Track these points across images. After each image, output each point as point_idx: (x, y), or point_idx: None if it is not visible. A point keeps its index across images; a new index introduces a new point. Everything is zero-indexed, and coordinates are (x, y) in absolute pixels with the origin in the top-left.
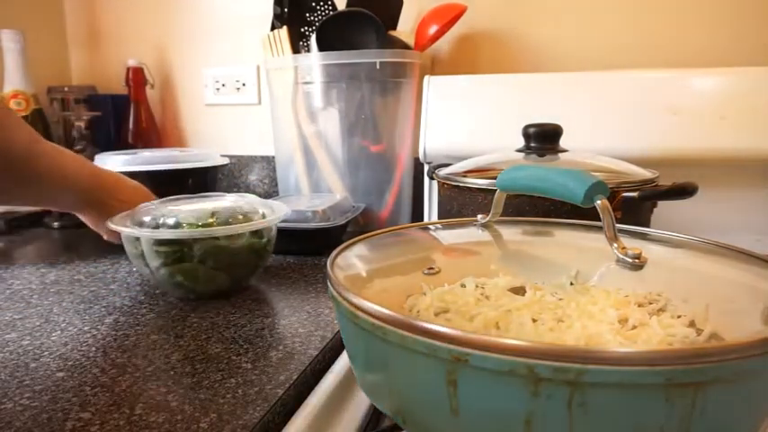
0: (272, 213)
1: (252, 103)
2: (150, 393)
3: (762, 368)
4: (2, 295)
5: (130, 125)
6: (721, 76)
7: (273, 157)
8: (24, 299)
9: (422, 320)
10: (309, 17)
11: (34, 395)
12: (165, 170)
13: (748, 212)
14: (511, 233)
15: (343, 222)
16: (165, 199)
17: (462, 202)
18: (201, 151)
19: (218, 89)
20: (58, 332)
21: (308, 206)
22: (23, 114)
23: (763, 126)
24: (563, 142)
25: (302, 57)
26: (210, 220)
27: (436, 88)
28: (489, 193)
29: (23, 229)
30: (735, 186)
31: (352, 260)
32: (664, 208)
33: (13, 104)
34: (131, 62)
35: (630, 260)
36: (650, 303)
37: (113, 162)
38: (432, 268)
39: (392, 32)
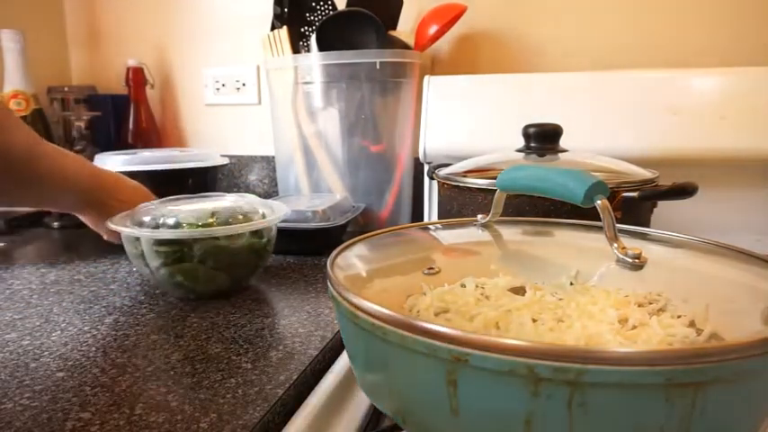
0: (272, 213)
1: (252, 103)
2: (150, 393)
3: (762, 368)
4: (2, 295)
5: (130, 125)
6: (721, 76)
7: (273, 157)
8: (24, 299)
9: (422, 320)
10: (309, 17)
11: (34, 395)
12: (164, 170)
13: (748, 212)
14: (511, 233)
15: (343, 222)
16: (165, 199)
17: (462, 202)
18: (201, 151)
19: (218, 89)
20: (58, 332)
21: (308, 206)
22: (23, 114)
23: (763, 126)
24: (563, 142)
25: (302, 57)
26: (210, 220)
27: (436, 88)
28: (489, 193)
29: (23, 229)
30: (735, 186)
31: (352, 260)
32: (664, 208)
33: (13, 104)
34: (131, 62)
35: (630, 260)
36: (650, 303)
37: (113, 162)
38: (432, 268)
39: (392, 32)
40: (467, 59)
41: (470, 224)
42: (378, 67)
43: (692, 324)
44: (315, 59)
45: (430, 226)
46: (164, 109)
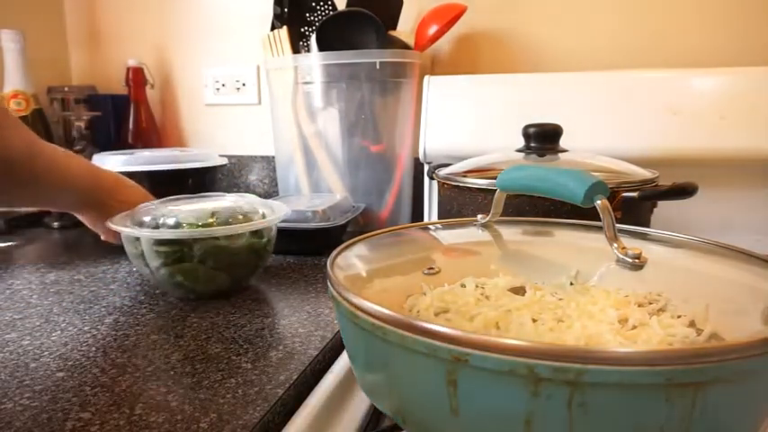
0: (272, 213)
1: (252, 103)
2: (150, 393)
3: (762, 368)
4: (2, 295)
5: (130, 125)
6: (721, 76)
7: (273, 157)
8: (24, 299)
9: (422, 320)
10: (309, 17)
11: (34, 395)
12: (164, 170)
13: (748, 212)
14: (511, 233)
15: (343, 222)
16: (165, 199)
17: (462, 202)
18: (201, 151)
19: (218, 89)
20: (58, 332)
21: (308, 206)
22: (23, 114)
23: (763, 126)
24: (563, 142)
25: (302, 57)
26: (210, 220)
27: (436, 88)
28: (489, 193)
29: (23, 229)
30: (735, 186)
31: (352, 260)
32: (664, 208)
33: (13, 104)
34: (131, 62)
35: (630, 260)
36: (650, 303)
37: (112, 162)
38: (432, 268)
39: (392, 32)
40: (467, 59)
41: (470, 224)
42: (378, 67)
43: (692, 324)
44: (315, 59)
45: (430, 226)
46: (164, 109)
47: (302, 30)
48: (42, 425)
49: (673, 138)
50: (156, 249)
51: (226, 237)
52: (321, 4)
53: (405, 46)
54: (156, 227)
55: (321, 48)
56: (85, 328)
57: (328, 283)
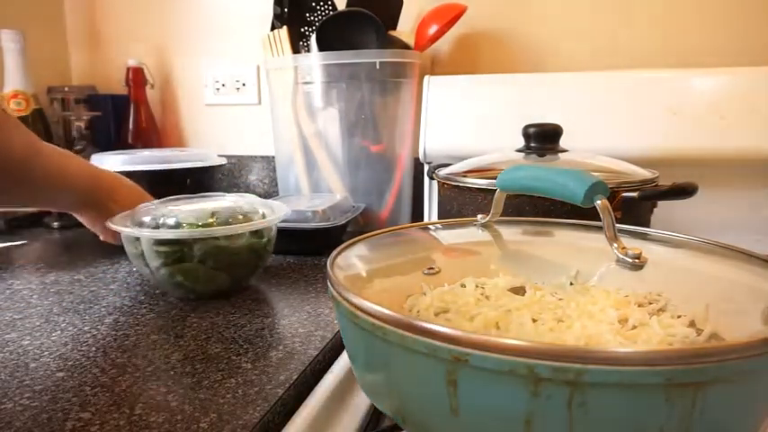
0: (272, 213)
1: (252, 103)
2: (150, 393)
3: (762, 368)
4: (2, 295)
5: (130, 125)
6: (721, 76)
7: (273, 157)
8: (24, 299)
9: (422, 320)
10: (309, 17)
11: (34, 395)
12: (164, 170)
13: (748, 212)
14: (511, 233)
15: (343, 222)
16: (165, 199)
17: (462, 202)
18: (201, 151)
19: (218, 89)
20: (58, 332)
21: (308, 206)
22: (23, 114)
23: (763, 126)
24: (563, 142)
25: (302, 57)
26: (210, 220)
27: (436, 88)
28: (489, 193)
29: (23, 229)
30: (735, 186)
31: (352, 260)
32: (664, 208)
33: (13, 104)
34: (131, 62)
35: (630, 260)
36: (650, 303)
37: (112, 162)
38: (432, 268)
39: (392, 32)
40: (467, 59)
41: (470, 224)
42: (378, 67)
43: (692, 324)
44: (315, 59)
45: (430, 226)
46: (164, 109)
47: (302, 30)
48: (42, 425)
49: (673, 138)
50: (156, 249)
51: (226, 237)
52: (321, 4)
53: (405, 46)
54: (156, 227)
55: (321, 48)
56: (85, 328)
57: (328, 283)
